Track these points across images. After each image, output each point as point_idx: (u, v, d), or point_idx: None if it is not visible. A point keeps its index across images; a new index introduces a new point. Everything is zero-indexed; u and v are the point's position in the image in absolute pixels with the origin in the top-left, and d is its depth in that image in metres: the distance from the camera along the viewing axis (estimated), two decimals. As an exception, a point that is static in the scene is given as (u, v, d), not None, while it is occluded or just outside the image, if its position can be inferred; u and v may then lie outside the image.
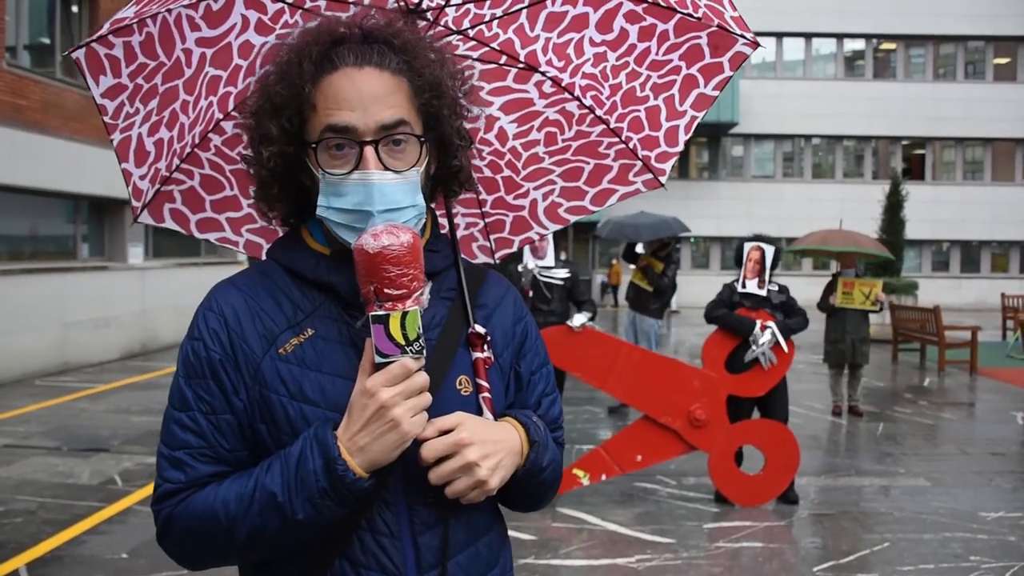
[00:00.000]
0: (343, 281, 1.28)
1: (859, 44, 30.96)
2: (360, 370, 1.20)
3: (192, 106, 1.58)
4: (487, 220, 1.92)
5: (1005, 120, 29.93)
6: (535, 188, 1.87)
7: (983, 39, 30.41)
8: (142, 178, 1.63)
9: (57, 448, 7.56)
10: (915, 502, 6.27)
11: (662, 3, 1.62)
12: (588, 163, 1.83)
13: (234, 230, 1.78)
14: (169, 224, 1.74)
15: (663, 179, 1.82)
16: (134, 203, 1.67)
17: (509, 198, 1.88)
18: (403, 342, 1.17)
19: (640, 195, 1.88)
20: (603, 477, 5.93)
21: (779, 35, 30.13)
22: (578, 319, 6.04)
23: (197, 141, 1.63)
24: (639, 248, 9.93)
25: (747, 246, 6.32)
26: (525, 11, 1.69)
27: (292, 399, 1.24)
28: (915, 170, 31.21)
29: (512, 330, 1.44)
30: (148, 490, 6.27)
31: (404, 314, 1.17)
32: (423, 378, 1.19)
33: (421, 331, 1.19)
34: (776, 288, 6.30)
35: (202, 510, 1.21)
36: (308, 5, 1.58)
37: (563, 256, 7.38)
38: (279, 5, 1.55)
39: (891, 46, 30.93)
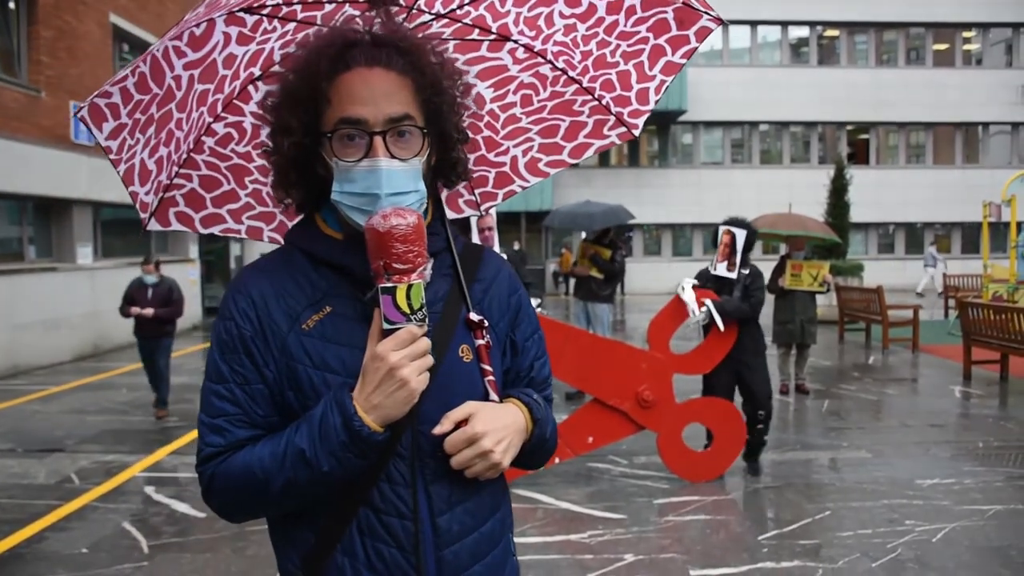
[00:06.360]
0: (356, 263, 1.43)
1: (803, 31, 31.48)
2: (369, 337, 1.37)
3: (185, 120, 1.68)
4: (472, 176, 2.02)
5: (945, 105, 30.71)
6: (515, 145, 1.98)
7: (922, 26, 31.12)
8: (147, 193, 1.74)
9: (11, 450, 7.51)
10: (857, 473, 6.53)
11: None
12: (564, 120, 1.95)
13: (235, 220, 1.90)
14: (176, 227, 1.85)
15: (636, 132, 1.94)
16: (142, 215, 1.79)
17: (490, 156, 1.99)
18: (408, 311, 1.33)
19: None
20: (556, 460, 6.08)
21: (725, 23, 30.47)
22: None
23: (192, 147, 1.74)
24: (582, 235, 10.05)
25: (720, 230, 6.46)
26: None
27: (316, 369, 1.41)
28: (860, 154, 31.87)
29: (508, 301, 1.61)
30: (104, 488, 6.28)
31: (409, 286, 1.32)
32: (426, 342, 1.36)
33: (424, 302, 1.35)
34: (747, 272, 6.38)
35: (240, 468, 1.39)
36: (284, 12, 1.65)
37: (516, 246, 7.45)
38: (256, 17, 1.63)
39: (834, 33, 31.52)
